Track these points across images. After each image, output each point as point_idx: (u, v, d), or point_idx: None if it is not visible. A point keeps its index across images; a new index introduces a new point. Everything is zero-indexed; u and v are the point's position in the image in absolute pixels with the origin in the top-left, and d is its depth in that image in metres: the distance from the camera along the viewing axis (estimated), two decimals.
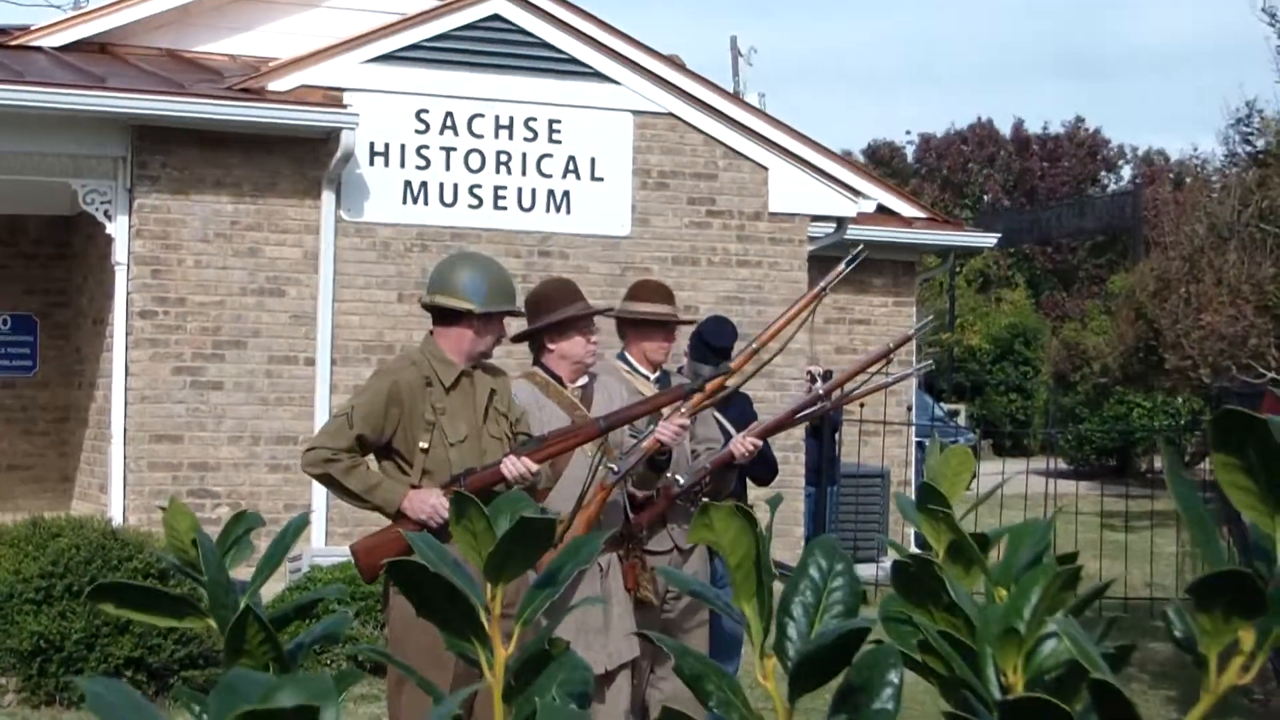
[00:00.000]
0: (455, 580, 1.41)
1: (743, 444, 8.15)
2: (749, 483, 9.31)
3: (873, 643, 1.45)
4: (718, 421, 8.61)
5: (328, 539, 14.45)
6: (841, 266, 8.02)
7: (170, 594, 1.70)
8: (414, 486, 6.94)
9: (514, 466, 6.94)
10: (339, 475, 6.89)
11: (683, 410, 7.57)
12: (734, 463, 8.24)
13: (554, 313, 7.58)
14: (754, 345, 7.82)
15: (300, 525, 1.82)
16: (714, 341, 9.12)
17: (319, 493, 14.43)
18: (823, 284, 7.96)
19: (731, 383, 7.86)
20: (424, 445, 6.98)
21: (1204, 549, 1.37)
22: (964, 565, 1.75)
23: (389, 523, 6.99)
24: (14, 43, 15.62)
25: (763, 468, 9.19)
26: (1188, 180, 38.19)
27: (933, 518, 1.79)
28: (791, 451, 16.05)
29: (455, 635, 1.45)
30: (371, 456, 7.10)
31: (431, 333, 7.27)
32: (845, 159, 18.14)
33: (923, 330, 8.41)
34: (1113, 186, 56.56)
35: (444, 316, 7.19)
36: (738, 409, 8.98)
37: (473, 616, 1.42)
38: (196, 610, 1.67)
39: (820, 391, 8.44)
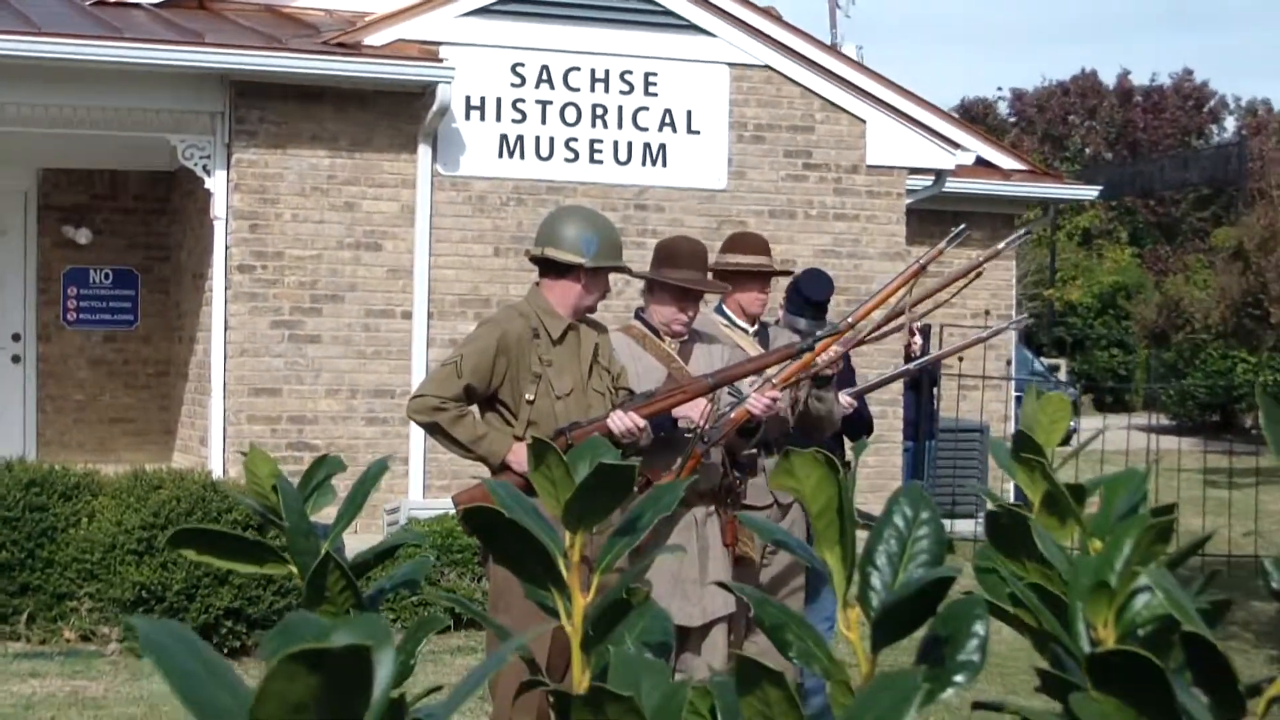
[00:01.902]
0: (531, 526, 1.39)
1: (827, 355, 7.92)
2: (844, 438, 9.26)
3: (962, 594, 1.42)
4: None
5: (425, 491, 14.51)
6: (942, 244, 7.93)
7: (249, 539, 1.69)
8: (518, 438, 6.93)
9: (621, 421, 6.91)
10: (446, 424, 6.87)
11: (774, 382, 7.52)
12: (820, 374, 8.04)
13: (669, 271, 7.53)
14: (850, 320, 7.73)
15: (379, 470, 1.80)
16: (810, 295, 9.02)
17: (416, 445, 14.50)
18: (922, 261, 7.86)
19: (823, 359, 7.76)
20: (529, 397, 6.96)
21: None
22: (1059, 516, 1.71)
23: (489, 474, 6.98)
24: (114, 0, 15.73)
25: (855, 424, 9.12)
26: None
27: (1028, 467, 1.75)
28: (890, 406, 15.98)
29: (533, 583, 1.43)
30: (475, 407, 7.09)
31: (538, 284, 7.23)
32: (943, 111, 17.96)
33: (991, 258, 8.19)
34: (1217, 138, 55.89)
35: (553, 269, 7.15)
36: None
37: (550, 565, 1.40)
38: (276, 556, 1.66)
39: (916, 344, 8.39)
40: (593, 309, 7.25)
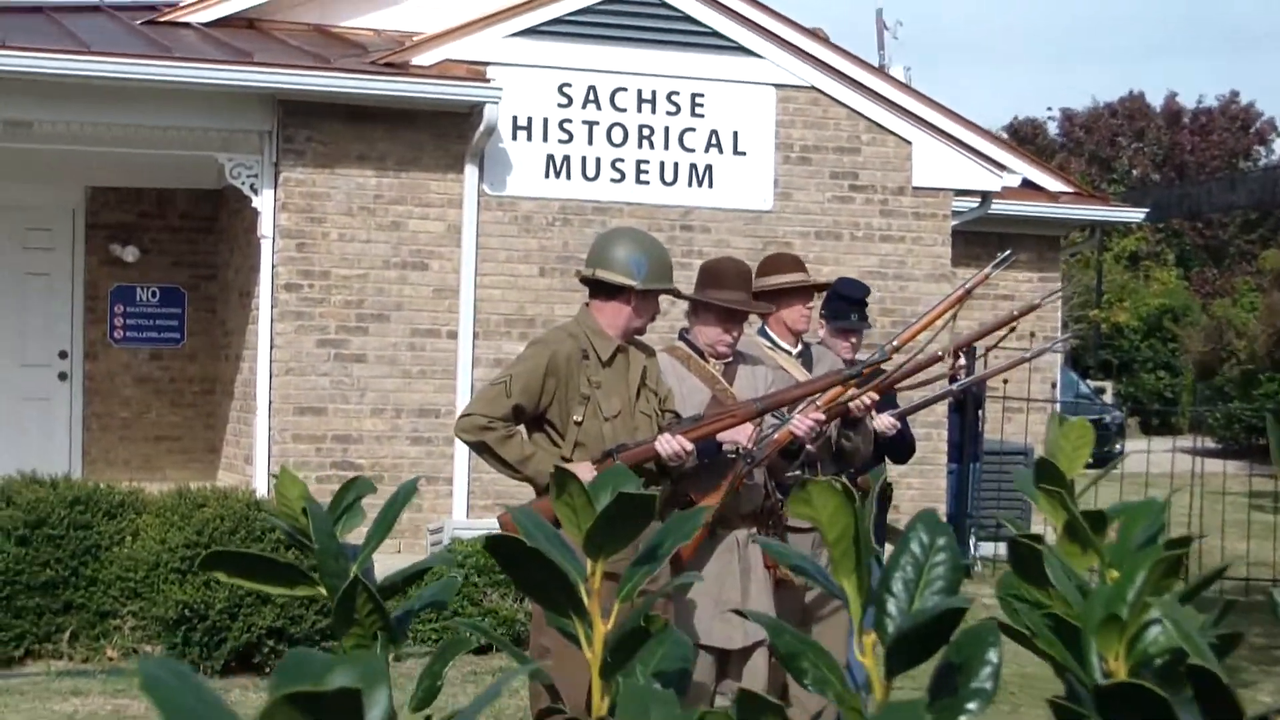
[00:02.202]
0: (553, 554, 1.42)
1: (858, 399, 8.02)
2: (887, 460, 9.27)
3: (987, 619, 1.44)
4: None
5: (469, 511, 14.54)
6: (988, 269, 8.01)
7: (280, 562, 1.71)
8: (565, 459, 6.95)
9: (669, 444, 6.92)
10: (494, 444, 6.88)
11: (818, 404, 7.56)
12: (852, 417, 8.14)
13: (714, 292, 7.55)
14: (894, 344, 7.76)
15: (409, 490, 1.83)
16: (848, 293, 9.13)
17: (460, 464, 14.53)
18: (968, 285, 7.94)
19: (856, 404, 7.85)
20: (578, 418, 6.98)
21: None
22: (1080, 544, 1.73)
23: (533, 494, 7.00)
24: (164, 19, 15.86)
25: (897, 447, 9.15)
26: None
27: (1049, 494, 1.77)
28: (934, 428, 15.96)
29: (555, 611, 1.46)
30: (523, 427, 7.11)
31: (588, 305, 7.25)
32: (989, 133, 17.96)
33: (1049, 299, 8.32)
34: (1265, 160, 55.68)
35: (603, 291, 7.17)
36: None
37: (572, 592, 1.43)
38: (307, 578, 1.69)
39: (951, 364, 8.41)
40: (642, 330, 7.27)
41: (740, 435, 7.32)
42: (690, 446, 6.97)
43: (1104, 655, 1.39)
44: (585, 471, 6.78)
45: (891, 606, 1.43)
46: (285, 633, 11.17)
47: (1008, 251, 8.52)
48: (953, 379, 9.46)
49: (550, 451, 6.96)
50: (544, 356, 7.00)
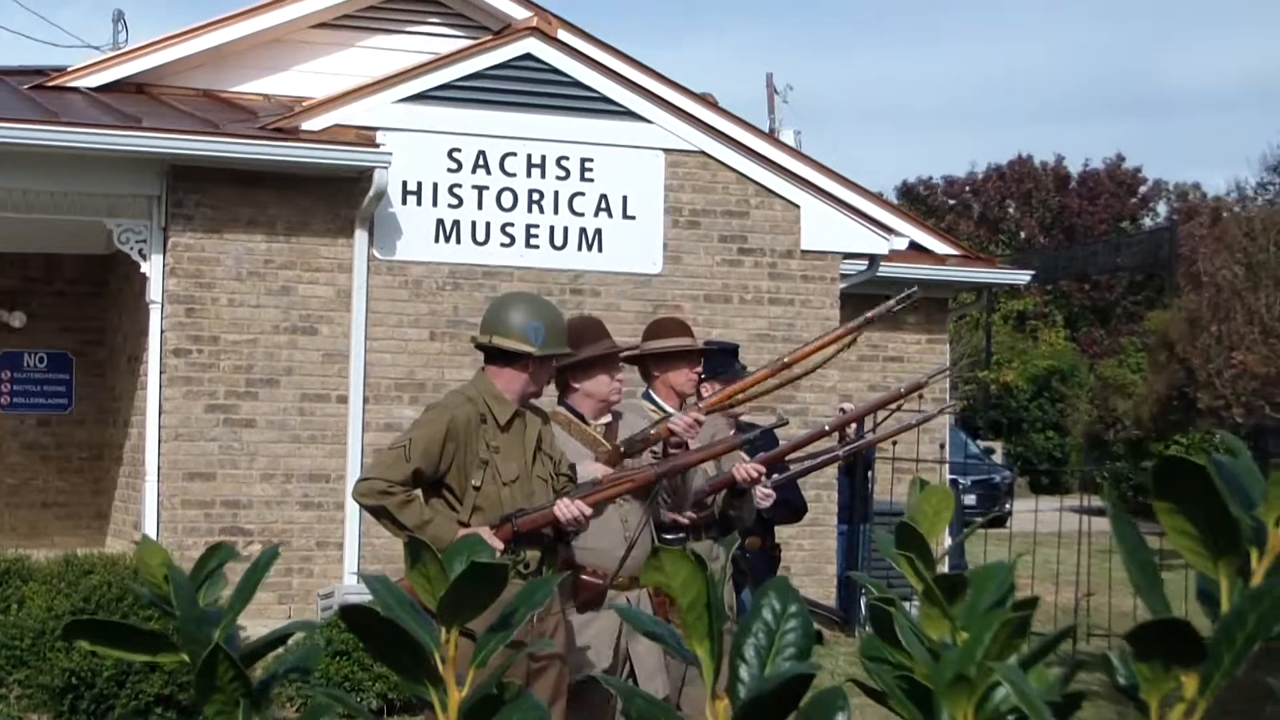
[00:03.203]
0: (407, 624, 1.44)
1: (744, 468, 8.16)
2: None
3: (851, 682, 1.47)
4: (744, 459, 8.64)
5: (359, 577, 14.45)
6: (891, 303, 8.12)
7: (143, 629, 1.72)
8: (463, 523, 6.95)
9: (568, 509, 6.95)
10: (394, 509, 6.87)
11: (699, 405, 7.66)
12: (737, 487, 8.25)
13: (579, 350, 7.61)
14: (785, 359, 7.88)
15: (270, 557, 1.84)
16: (722, 345, 9.31)
17: (351, 529, 14.48)
18: (868, 315, 8.04)
19: (742, 475, 7.99)
20: (476, 483, 6.98)
21: (1145, 594, 1.38)
22: (938, 608, 1.76)
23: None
24: (52, 84, 15.78)
25: (784, 510, 9.24)
26: (1225, 215, 38.14)
27: (908, 559, 1.80)
28: (824, 490, 16.04)
29: (410, 679, 1.47)
30: (419, 491, 7.11)
31: (484, 370, 7.26)
32: (877, 197, 18.14)
33: (935, 377, 8.51)
34: (1149, 223, 56.49)
35: (500, 356, 7.18)
36: (765, 448, 9.02)
37: (425, 661, 1.45)
38: (170, 645, 1.69)
39: (833, 430, 8.52)
40: (538, 395, 7.30)
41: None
42: (589, 511, 7.00)
43: (954, 716, 1.43)
44: (484, 535, 6.80)
45: (744, 672, 1.46)
46: (174, 700, 11.06)
47: (913, 289, 8.62)
48: (841, 440, 9.57)
49: (448, 516, 6.96)
50: (443, 421, 7.01)
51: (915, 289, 8.76)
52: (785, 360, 7.91)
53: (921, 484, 2.00)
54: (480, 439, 7.00)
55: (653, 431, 7.57)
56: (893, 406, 8.78)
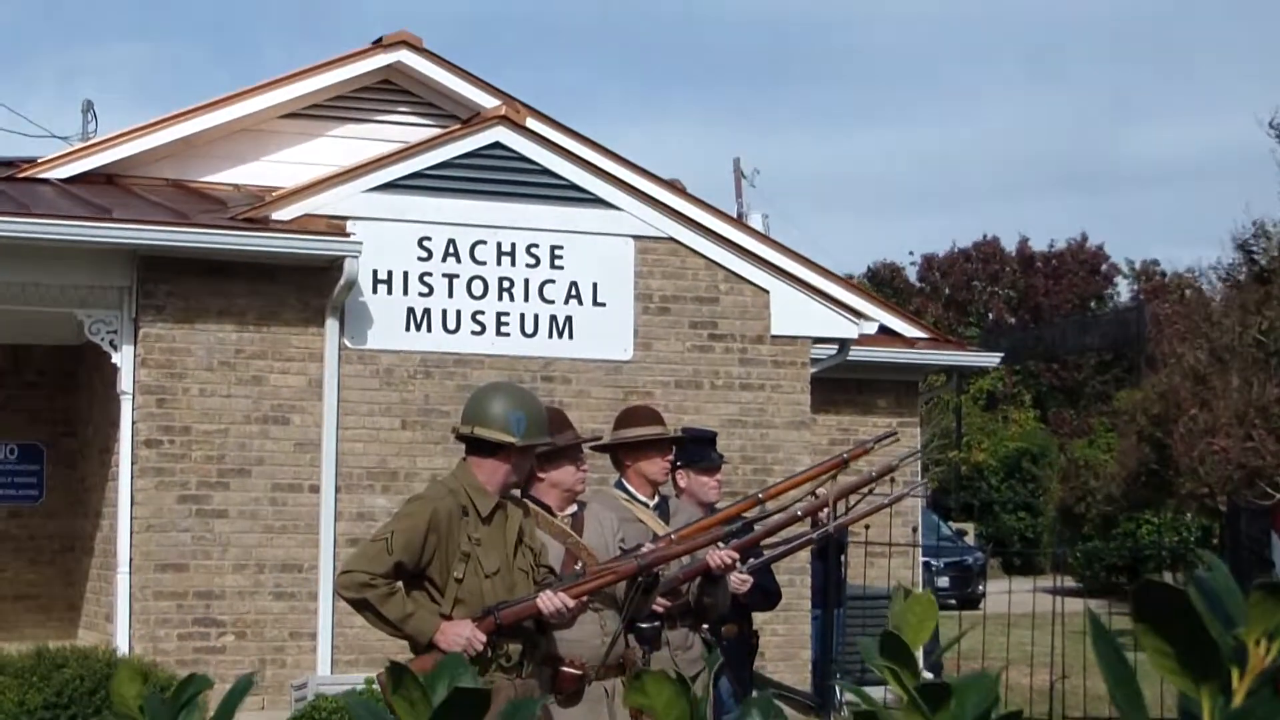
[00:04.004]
0: None
1: (718, 556, 8.18)
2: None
3: None
4: (716, 546, 8.65)
5: (334, 666, 14.42)
6: (869, 443, 8.24)
7: None
8: (445, 617, 6.94)
9: (551, 602, 6.94)
10: (376, 601, 6.85)
11: (673, 536, 7.68)
12: (713, 574, 8.27)
13: (554, 438, 7.62)
14: (761, 495, 7.97)
15: (244, 688, 1.85)
16: (701, 435, 9.33)
17: (324, 620, 14.43)
18: (844, 456, 8.13)
19: (716, 562, 8.04)
20: (458, 575, 6.96)
21: (1127, 715, 1.40)
22: (921, 716, 1.78)
23: (408, 651, 6.99)
24: (21, 175, 15.80)
25: (760, 597, 9.26)
26: (1187, 292, 38.36)
27: (894, 668, 1.83)
28: (797, 574, 16.03)
29: None
30: (400, 583, 7.11)
31: (465, 461, 7.26)
32: (846, 281, 18.24)
33: (906, 460, 8.60)
34: (1117, 301, 56.76)
35: (482, 448, 7.18)
36: (739, 535, 9.02)
37: None
38: None
39: (805, 515, 8.55)
40: (519, 486, 7.30)
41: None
42: (572, 603, 7.00)
43: None
44: (466, 629, 6.80)
45: None
46: None
47: (894, 433, 8.78)
48: (814, 525, 9.59)
49: (431, 609, 6.95)
50: (425, 513, 7.00)
51: (896, 433, 8.90)
52: (760, 496, 8.00)
53: (905, 593, 2.02)
54: (462, 531, 6.99)
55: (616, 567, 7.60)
56: (864, 490, 8.81)
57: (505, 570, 7.06)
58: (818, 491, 9.96)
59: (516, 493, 7.47)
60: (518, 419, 7.11)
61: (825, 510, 9.34)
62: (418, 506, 7.13)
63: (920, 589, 14.67)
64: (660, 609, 8.01)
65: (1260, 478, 16.59)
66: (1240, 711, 1.31)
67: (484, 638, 6.88)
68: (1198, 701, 1.38)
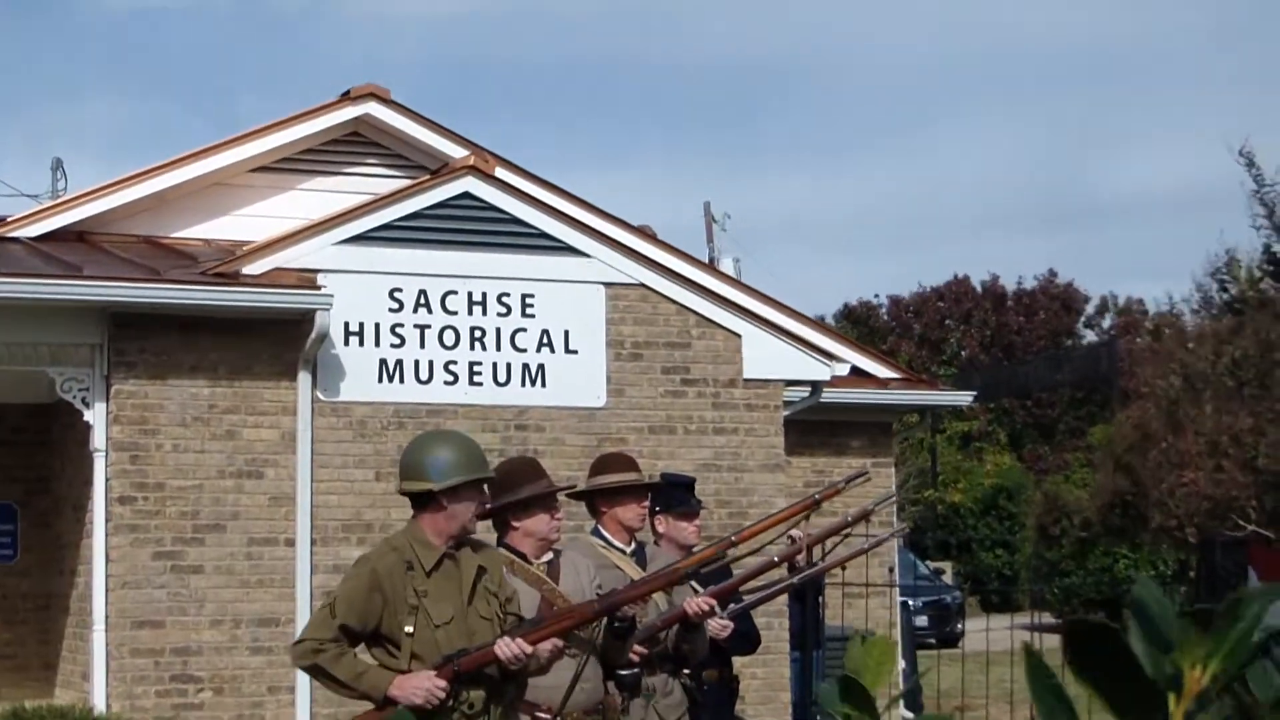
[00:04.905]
0: None
1: (695, 602, 8.23)
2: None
3: None
4: (695, 592, 8.68)
5: (312, 719, 14.39)
6: (841, 484, 8.33)
7: None
8: (404, 671, 6.96)
9: (508, 648, 6.95)
10: (326, 665, 6.92)
11: (636, 581, 7.72)
12: (691, 621, 8.30)
13: (517, 491, 7.66)
14: (734, 538, 8.03)
15: None
16: (679, 480, 9.36)
17: (303, 674, 14.38)
18: (816, 496, 8.21)
19: (693, 609, 8.08)
20: (409, 629, 6.99)
21: None
22: None
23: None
24: None
25: (740, 641, 9.29)
26: (1166, 331, 38.52)
27: (853, 712, 1.84)
28: (775, 617, 16.03)
29: None
30: (362, 645, 7.13)
31: (413, 517, 7.29)
32: (818, 323, 18.31)
33: (882, 504, 8.71)
34: (1090, 337, 56.95)
35: (416, 501, 7.23)
36: (717, 580, 9.05)
37: None
38: None
39: (783, 560, 8.59)
40: (470, 530, 7.28)
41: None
42: (530, 649, 7.01)
43: None
44: (424, 680, 6.81)
45: None
46: None
47: (865, 474, 8.87)
48: (792, 569, 9.63)
49: (388, 664, 6.99)
50: (365, 573, 7.08)
51: (867, 473, 8.99)
52: (732, 539, 8.06)
53: (863, 638, 2.04)
54: (408, 585, 7.01)
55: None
56: (842, 533, 8.87)
57: (460, 618, 7.06)
58: (794, 536, 10.02)
59: (492, 537, 7.48)
60: (434, 462, 7.13)
61: (802, 554, 9.39)
62: (358, 569, 7.23)
63: (899, 629, 14.74)
64: (637, 656, 8.04)
65: (1230, 510, 16.66)
66: None
67: (444, 685, 6.89)
68: None
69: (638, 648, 8.09)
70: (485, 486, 7.33)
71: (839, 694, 1.85)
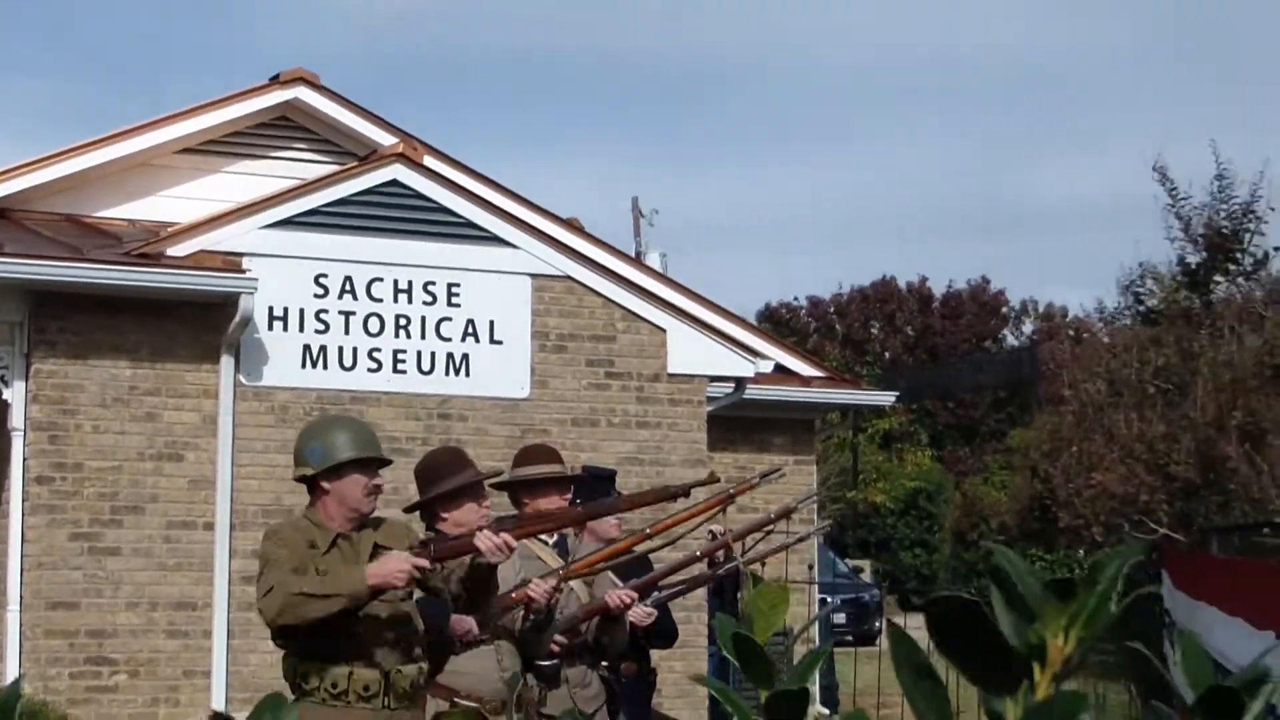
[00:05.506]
0: None
1: (617, 595, 8.27)
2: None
3: None
4: (615, 585, 8.72)
5: (228, 705, 14.34)
6: (755, 480, 8.39)
7: None
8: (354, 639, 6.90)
9: (488, 539, 6.87)
10: (304, 589, 6.68)
11: (560, 572, 7.73)
12: (612, 613, 8.34)
13: (444, 482, 7.66)
14: (648, 531, 8.08)
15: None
16: (602, 474, 9.39)
17: (219, 658, 14.35)
18: (731, 492, 8.24)
19: (615, 603, 8.14)
20: None
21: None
22: None
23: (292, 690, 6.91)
24: None
25: (659, 636, 9.32)
26: (1085, 336, 38.81)
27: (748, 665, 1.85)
28: (694, 611, 16.08)
29: None
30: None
31: (309, 503, 7.28)
32: (743, 320, 18.37)
33: (804, 502, 8.80)
34: (1013, 341, 57.31)
35: (308, 487, 7.23)
36: (637, 573, 9.09)
37: None
38: None
39: (704, 556, 8.64)
40: (362, 510, 7.15)
41: (538, 590, 7.52)
42: (514, 543, 6.98)
43: None
44: (401, 561, 6.74)
45: None
46: None
47: (779, 470, 8.92)
48: (711, 564, 9.68)
49: (345, 570, 6.86)
50: (281, 536, 7.02)
51: (782, 470, 9.05)
52: (648, 531, 8.10)
53: (755, 580, 2.04)
54: (312, 559, 6.93)
55: (513, 594, 7.63)
56: (764, 531, 8.91)
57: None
58: (715, 531, 10.08)
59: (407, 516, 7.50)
60: (312, 449, 7.11)
61: (723, 550, 9.43)
62: (272, 536, 7.12)
63: (816, 626, 14.78)
64: (557, 647, 8.07)
65: (1137, 510, 16.84)
66: (1041, 705, 1.38)
67: (423, 563, 6.83)
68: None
69: (558, 638, 8.11)
70: (377, 466, 7.20)
71: (735, 653, 1.86)
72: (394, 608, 6.98)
